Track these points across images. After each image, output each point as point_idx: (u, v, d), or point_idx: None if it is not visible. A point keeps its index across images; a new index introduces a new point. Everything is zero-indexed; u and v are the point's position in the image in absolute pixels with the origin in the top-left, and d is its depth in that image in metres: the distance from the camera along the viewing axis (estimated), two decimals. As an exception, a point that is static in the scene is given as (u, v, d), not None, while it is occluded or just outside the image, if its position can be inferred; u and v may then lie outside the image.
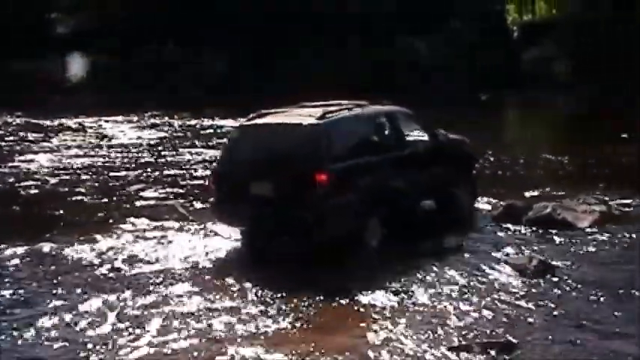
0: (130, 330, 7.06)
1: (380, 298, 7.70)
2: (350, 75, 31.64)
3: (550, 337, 6.62)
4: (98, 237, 10.23)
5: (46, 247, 9.84)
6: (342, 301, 7.68)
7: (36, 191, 14.15)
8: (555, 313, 7.23)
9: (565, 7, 35.38)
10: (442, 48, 35.03)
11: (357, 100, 10.87)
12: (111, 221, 11.37)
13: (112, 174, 15.91)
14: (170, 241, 10.11)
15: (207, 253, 9.64)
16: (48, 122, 24.97)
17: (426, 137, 11.15)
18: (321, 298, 7.75)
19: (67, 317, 7.41)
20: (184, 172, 16.13)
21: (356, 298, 7.73)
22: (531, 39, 34.23)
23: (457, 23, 36.18)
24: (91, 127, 24.26)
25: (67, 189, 14.15)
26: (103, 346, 6.73)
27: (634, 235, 9.96)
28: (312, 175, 9.14)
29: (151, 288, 8.27)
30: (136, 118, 26.52)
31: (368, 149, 10.11)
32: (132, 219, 11.31)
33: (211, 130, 24.22)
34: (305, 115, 9.82)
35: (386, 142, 10.52)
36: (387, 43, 34.56)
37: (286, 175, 9.32)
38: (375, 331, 6.80)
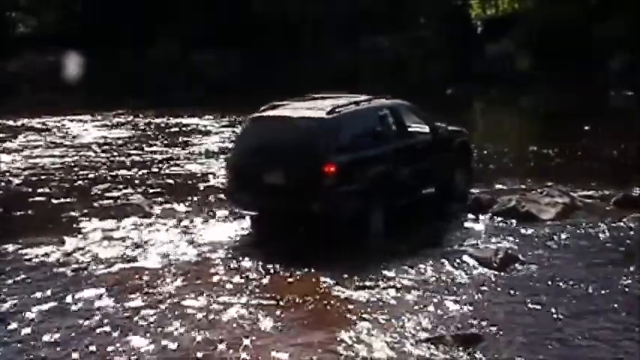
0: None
1: (348, 292, 7.71)
2: (320, 74, 31.73)
3: (515, 328, 6.70)
4: (64, 237, 10.13)
5: (10, 247, 9.72)
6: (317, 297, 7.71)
7: (-1, 192, 13.99)
8: (520, 304, 7.31)
9: (527, 1, 35.66)
10: (407, 44, 35.19)
11: (360, 94, 11.49)
12: (76, 221, 11.26)
13: (77, 173, 15.73)
14: (137, 240, 10.06)
15: (176, 251, 9.59)
16: (11, 122, 24.62)
17: (427, 129, 11.74)
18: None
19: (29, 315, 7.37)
20: (150, 170, 16.02)
21: (323, 292, 7.77)
22: (495, 34, 34.45)
23: (422, 19, 36.37)
24: (55, 127, 23.95)
25: (31, 189, 13.96)
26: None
27: (595, 226, 10.14)
28: (321, 167, 9.73)
29: (118, 287, 8.21)
30: (100, 117, 26.24)
31: (373, 141, 10.77)
32: (97, 219, 11.22)
33: (177, 129, 24.09)
34: (315, 109, 10.48)
35: (390, 134, 11.11)
36: (351, 42, 34.72)
37: (297, 166, 9.95)
38: (345, 327, 6.82)
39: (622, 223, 10.23)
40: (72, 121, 25.28)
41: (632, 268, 8.21)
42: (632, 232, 9.85)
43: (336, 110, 10.29)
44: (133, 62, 33.41)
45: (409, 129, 11.55)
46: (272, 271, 8.67)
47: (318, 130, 10.05)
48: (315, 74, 30.59)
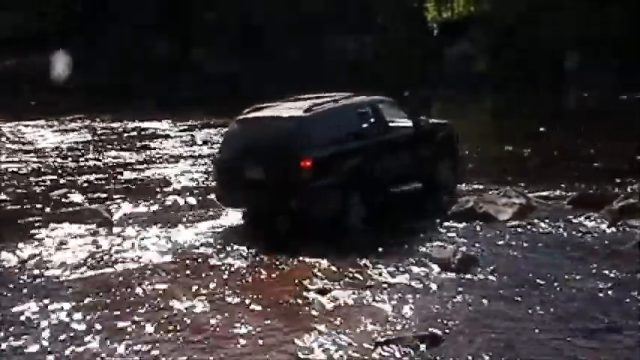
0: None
1: (307, 294, 7.72)
2: (284, 73, 31.74)
3: (474, 328, 6.75)
4: (20, 244, 9.97)
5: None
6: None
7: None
8: (479, 304, 7.37)
9: (482, 4, 36.09)
10: (363, 46, 35.38)
11: (343, 93, 11.87)
12: (33, 227, 11.09)
13: (33, 179, 15.50)
14: (94, 246, 9.94)
15: (136, 257, 9.48)
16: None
17: (409, 123, 12.06)
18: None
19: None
20: (107, 175, 15.85)
21: (281, 295, 7.76)
22: (451, 37, 34.82)
23: (380, 21, 36.59)
24: (9, 132, 23.57)
25: (-15, 196, 13.74)
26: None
27: (552, 226, 10.30)
28: (298, 161, 10.20)
29: (71, 294, 8.10)
30: (56, 123, 25.88)
31: (351, 136, 11.13)
32: (55, 224, 11.06)
33: (135, 133, 23.87)
34: (294, 108, 10.96)
35: (369, 129, 11.43)
36: (314, 42, 34.80)
37: (276, 161, 10.45)
38: (304, 328, 6.80)
39: (577, 222, 10.40)
40: (27, 126, 24.91)
41: (588, 267, 8.33)
42: (587, 231, 10.02)
43: (313, 108, 10.78)
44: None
45: (390, 124, 11.81)
46: (231, 271, 8.65)
47: (295, 128, 10.51)
48: (273, 76, 30.68)
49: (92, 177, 15.72)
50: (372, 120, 11.57)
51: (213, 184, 11.82)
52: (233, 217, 11.41)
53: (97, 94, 30.25)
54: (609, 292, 7.51)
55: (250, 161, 10.64)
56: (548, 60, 30.24)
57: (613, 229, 10.06)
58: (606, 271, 8.16)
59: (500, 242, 9.66)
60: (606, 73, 26.61)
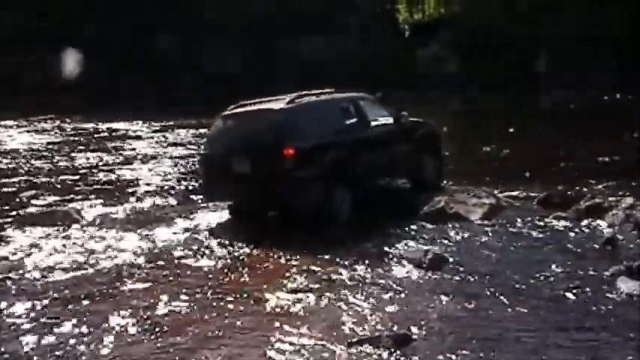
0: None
1: (280, 296, 7.74)
2: (252, 75, 31.73)
3: (446, 327, 6.80)
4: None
5: None
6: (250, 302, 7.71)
7: None
8: (450, 304, 7.44)
9: (452, 6, 36.35)
10: (336, 47, 35.48)
11: (325, 89, 12.28)
12: (2, 229, 10.99)
13: (2, 180, 15.35)
14: (65, 247, 9.88)
15: (109, 257, 9.44)
16: None
17: (390, 120, 12.42)
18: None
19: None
20: (79, 177, 15.75)
21: (251, 294, 7.77)
22: (422, 38, 35.04)
23: (350, 22, 36.71)
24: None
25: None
26: None
27: (521, 226, 10.44)
28: (281, 151, 10.38)
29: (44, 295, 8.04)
30: (25, 123, 25.62)
31: (333, 130, 11.38)
32: (24, 226, 10.97)
33: (106, 134, 23.73)
34: (275, 103, 11.24)
35: (349, 123, 11.78)
36: (284, 43, 34.82)
37: (260, 153, 10.63)
38: (276, 328, 6.83)
39: (546, 222, 10.55)
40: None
41: (555, 265, 8.46)
42: (554, 230, 10.17)
43: (296, 101, 11.14)
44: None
45: (371, 120, 12.13)
46: (208, 271, 8.66)
47: (278, 119, 10.78)
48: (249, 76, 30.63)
49: (63, 178, 15.61)
50: (353, 115, 11.90)
51: (200, 180, 12.03)
52: (209, 216, 11.43)
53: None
54: (575, 291, 7.62)
55: (235, 155, 10.85)
56: (520, 61, 30.53)
57: (580, 228, 10.23)
58: (573, 270, 8.29)
59: (471, 242, 9.76)
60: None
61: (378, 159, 11.89)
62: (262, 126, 10.86)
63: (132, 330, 6.98)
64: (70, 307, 7.67)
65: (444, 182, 13.45)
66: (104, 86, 31.69)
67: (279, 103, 11.15)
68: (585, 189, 12.79)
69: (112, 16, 34.87)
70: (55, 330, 7.04)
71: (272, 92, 12.15)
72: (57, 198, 13.33)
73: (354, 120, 11.89)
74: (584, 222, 10.41)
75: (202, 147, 11.53)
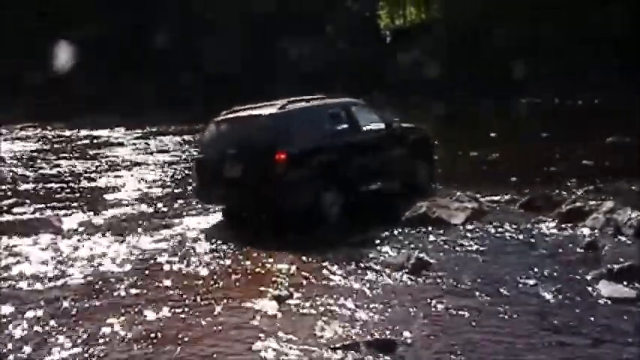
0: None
1: (262, 304, 7.70)
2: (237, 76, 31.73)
3: (429, 332, 6.80)
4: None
5: None
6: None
7: None
8: (433, 308, 7.45)
9: (433, 12, 36.55)
10: (319, 52, 35.54)
11: (317, 95, 12.61)
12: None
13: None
14: (45, 256, 9.78)
15: (94, 267, 9.33)
16: None
17: (382, 125, 12.66)
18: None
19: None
20: (60, 185, 15.64)
21: (233, 302, 7.74)
22: (403, 43, 35.19)
23: (332, 28, 36.80)
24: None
25: None
26: None
27: (504, 230, 10.49)
28: (272, 155, 10.61)
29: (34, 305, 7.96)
30: (5, 130, 25.42)
31: (324, 134, 11.62)
32: (4, 235, 10.86)
33: (87, 141, 23.60)
34: (268, 108, 11.46)
35: (340, 129, 12.03)
36: (267, 46, 34.84)
37: (252, 157, 10.87)
38: (258, 334, 6.78)
39: (528, 226, 10.61)
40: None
41: (537, 269, 8.49)
42: (536, 234, 10.22)
43: (287, 106, 11.37)
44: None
45: (362, 125, 12.35)
46: (192, 278, 8.61)
47: (270, 124, 11.04)
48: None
49: (43, 186, 15.50)
50: (345, 121, 12.14)
51: (193, 183, 12.30)
52: (193, 222, 11.40)
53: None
54: (557, 294, 7.66)
55: (227, 160, 11.04)
56: (498, 67, 30.71)
57: (561, 232, 10.28)
58: (555, 274, 8.33)
59: (453, 246, 9.79)
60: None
61: (368, 163, 12.08)
62: (254, 131, 11.08)
63: (121, 337, 6.91)
64: (57, 314, 7.57)
65: (436, 186, 13.63)
66: (96, 89, 31.48)
67: (270, 109, 11.34)
68: (566, 193, 12.89)
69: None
70: (47, 338, 6.95)
71: (260, 94, 12.27)
72: (37, 206, 13.21)
73: (345, 125, 12.10)
74: (566, 226, 10.47)
75: (196, 151, 11.68)
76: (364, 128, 12.38)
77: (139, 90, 31.91)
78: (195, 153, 12.13)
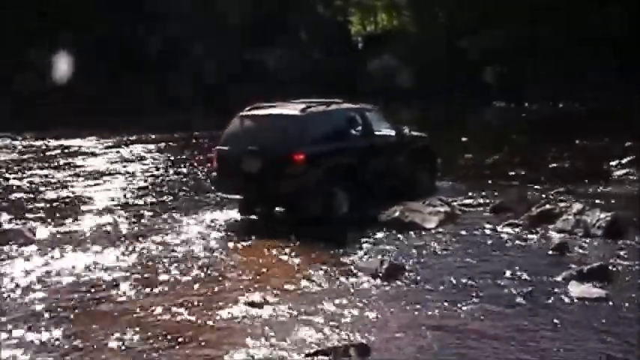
0: None
1: (234, 311, 7.67)
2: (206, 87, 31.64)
3: (403, 337, 6.82)
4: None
5: None
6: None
7: None
8: (406, 312, 7.49)
9: (404, 17, 36.72)
10: (289, 59, 35.58)
11: (334, 99, 13.40)
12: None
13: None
14: (18, 268, 9.64)
15: (74, 278, 9.10)
16: None
17: (392, 132, 13.44)
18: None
19: None
20: (31, 195, 15.50)
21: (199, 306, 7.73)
22: (374, 50, 35.32)
23: (303, 35, 36.87)
24: None
25: None
26: None
27: (476, 233, 10.61)
28: (292, 155, 11.38)
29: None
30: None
31: (339, 137, 12.38)
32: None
33: (58, 151, 23.42)
34: (290, 108, 12.23)
35: (356, 132, 12.77)
36: (235, 56, 34.79)
37: (272, 155, 11.51)
38: (231, 339, 6.78)
39: (499, 230, 10.74)
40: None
41: (508, 272, 8.60)
42: (508, 238, 10.35)
43: (308, 109, 12.04)
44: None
45: (375, 130, 13.11)
46: (175, 286, 8.58)
47: (290, 125, 11.72)
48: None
49: (14, 196, 15.35)
50: (360, 125, 12.84)
51: (212, 173, 13.03)
52: (168, 235, 11.25)
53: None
54: (528, 296, 7.77)
55: (249, 154, 11.62)
56: (468, 73, 30.95)
57: (532, 234, 10.42)
58: (525, 276, 8.44)
59: (426, 250, 9.87)
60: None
61: (379, 166, 12.80)
62: (276, 130, 11.75)
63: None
64: (57, 321, 7.46)
65: (437, 189, 14.18)
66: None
67: (292, 110, 12.13)
68: (537, 195, 13.07)
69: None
70: (58, 344, 6.88)
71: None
72: (7, 217, 13.05)
73: (359, 129, 12.82)
74: (536, 228, 10.62)
75: (218, 143, 12.49)
76: (377, 133, 13.11)
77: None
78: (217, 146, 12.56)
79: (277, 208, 12.52)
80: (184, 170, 18.81)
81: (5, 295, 8.46)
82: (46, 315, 7.72)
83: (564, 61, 28.48)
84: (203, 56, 34.47)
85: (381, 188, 12.64)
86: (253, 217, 12.49)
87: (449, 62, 32.21)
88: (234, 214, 12.55)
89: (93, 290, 8.57)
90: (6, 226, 12.22)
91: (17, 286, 8.77)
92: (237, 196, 12.44)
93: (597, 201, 12.23)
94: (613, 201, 12.42)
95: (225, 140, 12.38)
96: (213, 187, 13.27)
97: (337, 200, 11.87)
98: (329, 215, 11.61)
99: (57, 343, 6.95)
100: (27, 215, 13.18)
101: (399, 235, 10.63)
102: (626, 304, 7.43)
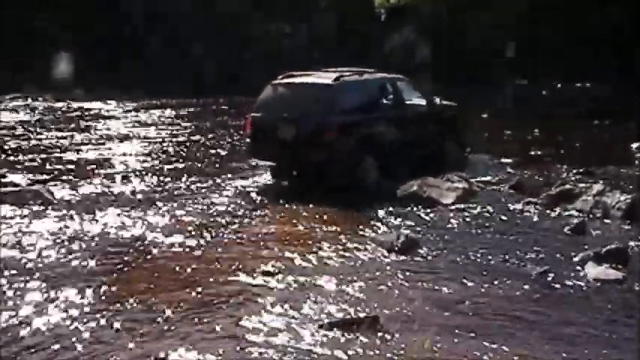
0: None
1: (250, 279, 7.67)
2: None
3: (417, 311, 6.77)
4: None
5: None
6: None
7: None
8: (421, 288, 7.45)
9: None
10: (310, 33, 35.32)
11: (366, 68, 13.59)
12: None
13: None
14: (36, 228, 9.68)
15: (91, 242, 9.08)
16: None
17: (423, 102, 13.62)
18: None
19: None
20: (50, 156, 15.58)
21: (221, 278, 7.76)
22: (397, 22, 34.90)
23: (324, 7, 36.51)
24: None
25: None
26: None
27: (493, 210, 10.56)
28: (325, 123, 11.73)
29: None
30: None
31: (371, 107, 12.59)
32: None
33: (79, 113, 23.50)
34: (323, 77, 12.47)
35: (387, 103, 12.99)
36: (247, 28, 34.62)
37: (306, 122, 11.83)
38: (245, 312, 6.78)
39: (517, 207, 10.68)
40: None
41: (525, 250, 8.56)
42: (526, 216, 10.30)
43: (341, 78, 12.27)
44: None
45: (406, 100, 13.30)
46: (185, 255, 8.61)
47: (324, 94, 11.96)
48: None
49: (34, 156, 15.43)
50: (390, 94, 13.06)
51: (246, 139, 13.35)
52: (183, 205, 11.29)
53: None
54: (543, 275, 7.72)
55: (282, 121, 11.94)
56: (491, 49, 30.56)
57: (550, 214, 10.36)
58: (542, 255, 8.41)
59: (443, 225, 9.85)
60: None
61: (409, 136, 12.84)
62: (309, 98, 12.00)
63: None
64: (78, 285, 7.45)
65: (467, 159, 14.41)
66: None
67: (326, 79, 12.31)
68: (556, 175, 12.97)
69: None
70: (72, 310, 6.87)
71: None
72: (27, 177, 13.12)
73: (390, 98, 13.03)
74: (555, 208, 10.55)
75: (253, 110, 12.73)
76: (407, 102, 13.27)
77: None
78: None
79: (308, 176, 12.54)
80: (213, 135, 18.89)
81: (45, 255, 8.47)
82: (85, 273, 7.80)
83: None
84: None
85: (411, 158, 12.75)
86: (284, 182, 12.82)
87: (469, 36, 31.80)
88: (263, 180, 12.91)
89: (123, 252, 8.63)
90: (24, 187, 12.27)
91: (55, 243, 8.84)
92: (271, 163, 12.78)
93: (617, 182, 12.10)
94: (633, 184, 12.29)
95: (258, 107, 12.56)
96: (247, 153, 13.52)
97: (367, 169, 12.06)
98: (359, 184, 11.80)
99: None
100: (46, 177, 13.22)
101: (416, 210, 10.60)
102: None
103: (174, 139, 18.21)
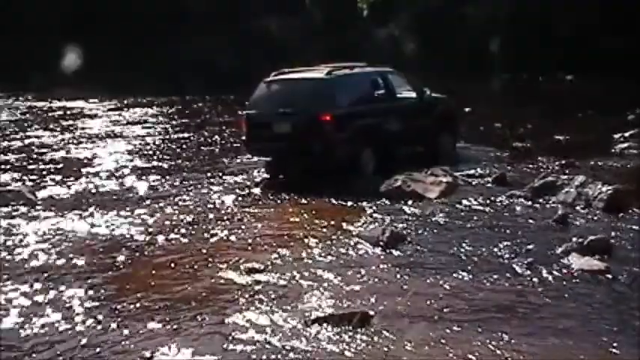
0: None
1: (236, 277, 7.68)
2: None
3: (403, 305, 6.80)
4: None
5: None
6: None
7: None
8: (407, 282, 7.46)
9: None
10: (295, 28, 35.27)
11: (357, 62, 13.85)
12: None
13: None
14: (18, 230, 9.64)
15: (73, 241, 9.14)
16: None
17: (414, 94, 13.88)
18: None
19: None
20: (32, 155, 15.48)
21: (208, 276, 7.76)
22: (380, 18, 34.92)
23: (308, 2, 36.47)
24: None
25: None
26: None
27: (477, 203, 10.60)
28: (320, 116, 12.00)
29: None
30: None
31: (364, 99, 12.95)
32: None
33: (61, 112, 23.36)
34: (316, 72, 12.87)
35: (378, 95, 13.28)
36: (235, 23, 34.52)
37: (301, 117, 12.11)
38: (234, 308, 6.80)
39: (501, 200, 10.72)
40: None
41: (508, 242, 8.60)
42: (509, 208, 10.35)
43: (333, 73, 12.64)
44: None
45: (397, 93, 13.59)
46: (167, 255, 8.60)
47: (317, 88, 12.33)
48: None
49: (15, 156, 15.33)
50: (382, 87, 13.33)
51: (242, 136, 13.37)
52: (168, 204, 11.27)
53: None
54: (528, 267, 7.76)
55: (277, 117, 12.28)
56: (473, 44, 30.66)
57: (533, 206, 10.42)
58: (526, 247, 8.45)
59: (427, 220, 9.87)
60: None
61: (401, 128, 13.07)
62: (303, 93, 12.34)
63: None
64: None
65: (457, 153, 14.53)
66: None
67: (318, 74, 12.69)
68: (539, 166, 13.04)
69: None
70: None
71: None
72: (8, 177, 13.02)
73: (382, 92, 13.28)
74: (538, 200, 10.61)
75: (246, 107, 13.01)
76: (399, 96, 13.55)
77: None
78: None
79: (300, 170, 12.68)
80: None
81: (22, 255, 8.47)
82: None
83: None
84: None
85: (405, 150, 13.10)
86: (281, 177, 12.86)
87: (452, 31, 31.89)
88: (254, 176, 12.98)
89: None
90: (5, 186, 12.19)
91: (42, 242, 8.85)
92: (268, 158, 12.94)
93: (599, 174, 12.19)
94: (614, 174, 12.38)
95: (253, 104, 12.82)
96: (244, 149, 13.71)
97: (363, 161, 12.37)
98: (356, 175, 12.02)
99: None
100: (28, 176, 13.15)
101: (401, 205, 10.61)
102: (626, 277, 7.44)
103: (165, 137, 18.18)
